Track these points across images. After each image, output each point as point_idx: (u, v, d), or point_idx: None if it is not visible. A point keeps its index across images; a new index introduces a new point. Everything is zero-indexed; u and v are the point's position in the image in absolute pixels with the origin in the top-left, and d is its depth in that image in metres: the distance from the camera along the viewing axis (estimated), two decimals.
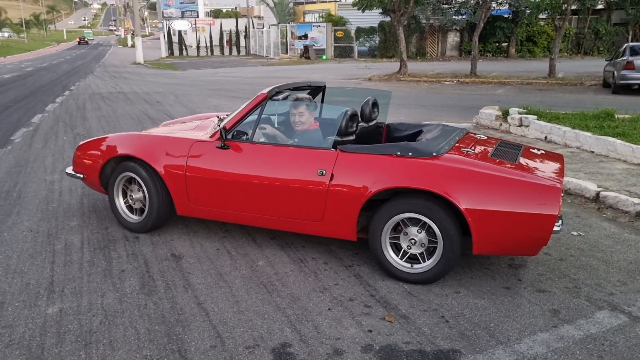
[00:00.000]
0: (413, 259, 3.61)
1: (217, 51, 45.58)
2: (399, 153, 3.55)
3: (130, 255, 4.00)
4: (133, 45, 63.14)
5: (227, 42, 45.73)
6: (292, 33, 36.61)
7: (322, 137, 4.10)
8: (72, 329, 2.99)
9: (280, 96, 4.24)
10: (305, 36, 35.36)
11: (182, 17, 42.98)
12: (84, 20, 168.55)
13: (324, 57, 34.16)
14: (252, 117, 4.10)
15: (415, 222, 3.54)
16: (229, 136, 4.04)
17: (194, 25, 45.33)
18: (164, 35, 42.95)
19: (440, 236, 3.43)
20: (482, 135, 4.43)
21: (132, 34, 53.59)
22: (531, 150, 4.19)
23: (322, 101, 4.99)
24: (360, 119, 4.26)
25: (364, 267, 3.82)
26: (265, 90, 4.12)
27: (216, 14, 79.93)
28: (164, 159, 4.18)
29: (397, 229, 3.63)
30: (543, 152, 4.20)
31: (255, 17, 66.71)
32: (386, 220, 3.56)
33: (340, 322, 3.10)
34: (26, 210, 5.01)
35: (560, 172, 3.64)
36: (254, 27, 47.22)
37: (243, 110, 4.10)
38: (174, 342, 2.88)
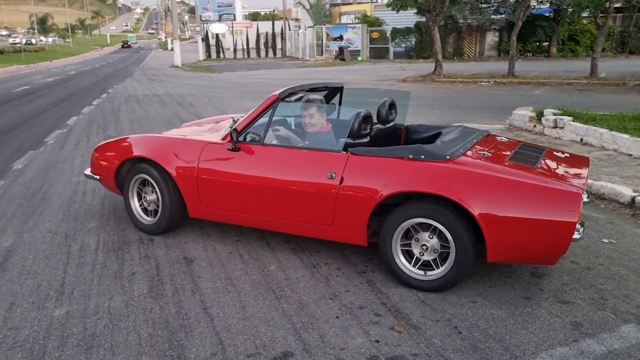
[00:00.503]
0: (427, 266, 3.48)
1: (253, 54, 45.95)
2: (411, 156, 3.43)
3: (142, 257, 3.98)
4: (172, 49, 64.36)
5: (264, 44, 46.06)
6: (327, 35, 36.57)
7: (335, 139, 3.99)
8: (75, 332, 2.97)
9: (293, 98, 4.16)
10: (341, 37, 35.27)
11: (220, 20, 43.54)
12: (125, 25, 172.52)
13: (360, 58, 34.00)
14: (265, 119, 4.04)
15: (426, 227, 3.41)
16: (241, 138, 4.00)
17: (231, 28, 45.84)
18: (202, 39, 43.55)
19: (453, 242, 3.29)
20: (504, 138, 4.26)
21: (172, 37, 54.64)
22: (555, 153, 3.99)
23: (340, 102, 4.90)
24: (376, 121, 4.18)
25: (377, 274, 3.70)
26: (277, 92, 4.05)
27: (254, 16, 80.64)
28: (176, 160, 4.17)
29: (408, 234, 3.51)
30: (567, 155, 4.00)
31: (293, 19, 66.99)
32: (397, 225, 3.44)
33: (347, 331, 2.99)
34: (48, 211, 5.08)
35: (583, 177, 3.45)
36: (290, 30, 47.38)
37: (254, 112, 4.05)
38: (174, 348, 2.83)
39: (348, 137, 3.74)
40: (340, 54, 33.51)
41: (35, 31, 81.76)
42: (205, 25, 43.73)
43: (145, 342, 2.87)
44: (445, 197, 3.26)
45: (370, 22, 35.79)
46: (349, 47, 34.15)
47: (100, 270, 3.76)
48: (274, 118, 4.06)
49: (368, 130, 3.89)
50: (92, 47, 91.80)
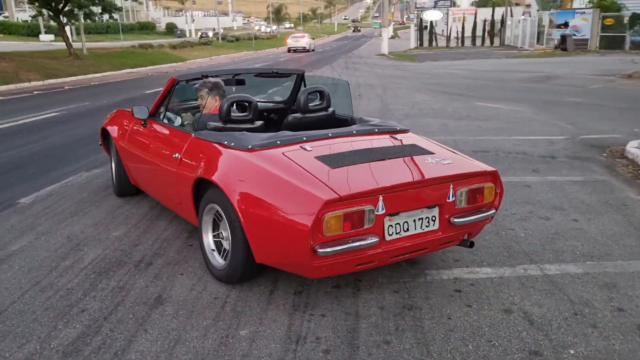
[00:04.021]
0: None
1: (468, 42, 43.38)
2: (225, 142, 3.42)
3: (115, 288, 3.28)
4: (393, 37, 64.62)
5: (488, 32, 42.94)
6: (550, 21, 32.61)
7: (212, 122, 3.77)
8: None
9: (194, 81, 4.35)
10: (565, 24, 31.07)
11: (435, 6, 41.93)
12: (345, 18, 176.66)
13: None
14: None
15: None
16: (162, 117, 4.35)
17: (447, 15, 43.88)
18: (415, 26, 42.51)
19: (230, 232, 3.16)
20: (400, 137, 3.67)
21: (394, 25, 54.70)
22: (427, 160, 3.32)
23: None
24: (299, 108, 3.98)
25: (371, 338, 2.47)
26: (176, 75, 4.35)
27: (484, 2, 75.92)
28: (118, 131, 4.88)
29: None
30: (439, 163, 3.30)
31: (524, 5, 61.77)
32: (203, 208, 3.44)
33: None
34: (98, 210, 4.74)
35: (384, 186, 2.90)
36: (511, 16, 43.56)
37: (161, 94, 4.31)
38: None
39: (219, 122, 3.69)
40: (562, 43, 29.52)
41: (270, 20, 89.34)
42: (418, 12, 42.50)
43: None
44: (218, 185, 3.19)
45: (605, 6, 30.87)
46: (574, 35, 29.94)
47: (56, 300, 3.15)
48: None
49: (249, 117, 3.73)
50: (320, 34, 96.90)
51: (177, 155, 3.72)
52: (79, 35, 30.96)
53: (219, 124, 3.66)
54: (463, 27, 42.77)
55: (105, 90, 15.96)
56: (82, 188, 5.40)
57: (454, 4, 43.51)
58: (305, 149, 3.27)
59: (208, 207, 3.39)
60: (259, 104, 4.61)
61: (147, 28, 66.32)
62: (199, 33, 56.75)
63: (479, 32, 41.75)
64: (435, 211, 3.13)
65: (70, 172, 6.03)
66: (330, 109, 4.10)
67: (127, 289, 3.27)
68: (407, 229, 3.04)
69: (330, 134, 3.51)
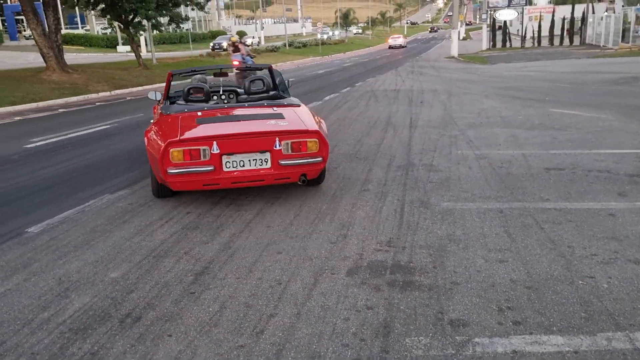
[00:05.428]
0: None
1: (545, 42, 41.03)
2: (162, 111, 5.26)
3: (86, 355, 2.71)
4: (465, 38, 62.57)
5: (567, 30, 40.44)
6: (637, 17, 30.12)
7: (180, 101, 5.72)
8: None
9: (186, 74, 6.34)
10: None
11: (509, 5, 39.91)
12: (406, 22, 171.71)
13: None
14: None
15: None
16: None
17: (521, 14, 41.64)
18: (487, 27, 40.63)
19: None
20: (278, 109, 5.18)
21: (466, 26, 52.98)
22: (269, 122, 4.81)
23: (273, 81, 6.34)
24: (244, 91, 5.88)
25: None
26: (171, 70, 6.31)
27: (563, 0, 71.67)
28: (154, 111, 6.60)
29: None
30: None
31: (607, 0, 57.92)
32: None
33: None
34: (102, 245, 4.24)
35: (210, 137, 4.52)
36: (593, 13, 40.76)
37: (166, 84, 5.95)
38: None
39: (181, 100, 5.54)
40: None
41: (338, 25, 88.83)
42: (491, 12, 40.53)
43: None
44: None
45: None
46: None
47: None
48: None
49: (203, 98, 5.42)
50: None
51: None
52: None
53: (182, 102, 5.37)
54: (540, 26, 40.42)
55: None
56: (98, 214, 4.92)
57: (529, 2, 41.17)
58: (197, 115, 4.96)
59: None
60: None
61: (218, 36, 67.60)
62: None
63: (557, 31, 39.32)
64: (267, 155, 4.55)
65: (94, 194, 5.59)
66: (273, 92, 5.85)
67: (99, 357, 2.69)
68: (243, 165, 4.53)
69: (225, 105, 5.34)
